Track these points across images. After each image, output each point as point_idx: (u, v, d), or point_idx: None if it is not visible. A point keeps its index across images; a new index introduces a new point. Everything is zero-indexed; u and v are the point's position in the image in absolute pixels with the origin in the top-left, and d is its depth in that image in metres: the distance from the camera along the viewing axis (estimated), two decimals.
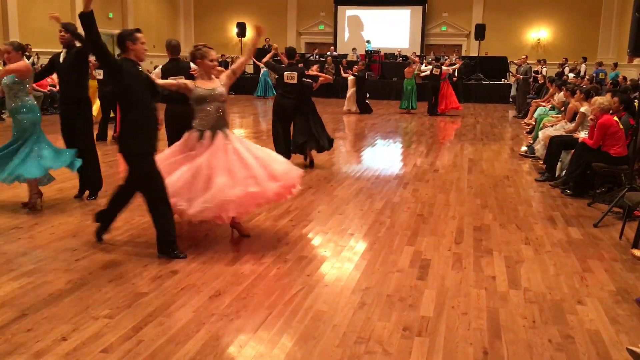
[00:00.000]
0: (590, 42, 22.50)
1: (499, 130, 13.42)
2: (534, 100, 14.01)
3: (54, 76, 7.02)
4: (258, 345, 3.26)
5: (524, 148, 10.15)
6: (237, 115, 15.59)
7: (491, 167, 8.72)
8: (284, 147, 8.00)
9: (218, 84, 4.95)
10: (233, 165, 4.73)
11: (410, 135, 12.28)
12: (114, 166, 8.03)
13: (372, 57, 22.24)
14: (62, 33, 6.04)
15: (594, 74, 17.40)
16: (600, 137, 6.63)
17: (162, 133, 5.54)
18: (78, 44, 6.13)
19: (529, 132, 11.94)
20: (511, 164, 9.04)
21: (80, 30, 4.58)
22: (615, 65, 18.93)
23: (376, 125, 13.87)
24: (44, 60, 15.40)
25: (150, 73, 5.57)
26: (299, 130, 8.21)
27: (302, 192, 6.84)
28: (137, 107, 4.46)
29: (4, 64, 6.24)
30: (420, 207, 6.34)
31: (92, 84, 11.27)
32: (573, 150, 7.14)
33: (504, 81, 21.24)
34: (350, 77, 16.58)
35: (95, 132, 7.93)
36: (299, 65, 8.70)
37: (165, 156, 4.91)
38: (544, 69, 18.34)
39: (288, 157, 7.37)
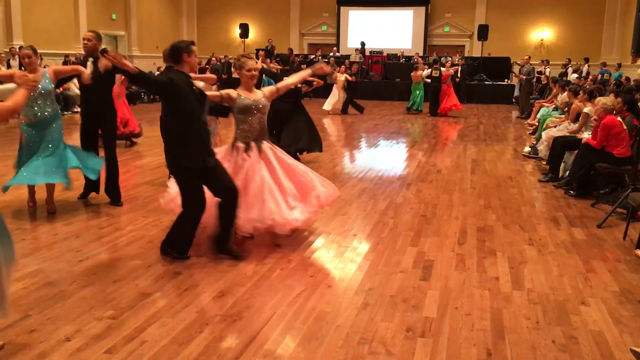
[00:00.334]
0: (593, 43, 22.46)
1: (502, 130, 13.40)
2: (537, 101, 14.00)
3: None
4: (261, 346, 3.26)
5: (527, 149, 10.14)
6: None
7: (494, 168, 8.71)
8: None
9: (261, 95, 4.84)
10: (282, 181, 4.78)
11: (413, 136, 12.27)
12: None
13: (364, 59, 22.15)
14: (86, 41, 5.88)
15: (599, 75, 17.36)
16: (603, 137, 6.62)
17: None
18: (101, 49, 6.03)
19: (532, 133, 11.92)
20: (514, 165, 9.03)
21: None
22: (619, 65, 18.89)
23: (379, 126, 13.87)
24: (47, 62, 15.46)
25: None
26: (293, 132, 8.35)
27: None
28: (189, 120, 4.29)
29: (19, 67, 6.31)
30: (423, 207, 6.33)
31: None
32: (576, 151, 7.13)
33: (507, 82, 21.22)
34: (341, 78, 16.23)
35: None
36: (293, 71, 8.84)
37: None
38: (547, 70, 18.32)
39: None
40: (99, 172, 5.89)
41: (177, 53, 4.31)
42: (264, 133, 4.88)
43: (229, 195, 4.44)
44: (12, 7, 16.94)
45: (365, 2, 24.78)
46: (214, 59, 22.42)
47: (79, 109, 15.18)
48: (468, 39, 24.48)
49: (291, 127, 8.34)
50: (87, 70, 5.71)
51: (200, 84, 7.06)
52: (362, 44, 22.98)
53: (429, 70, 16.52)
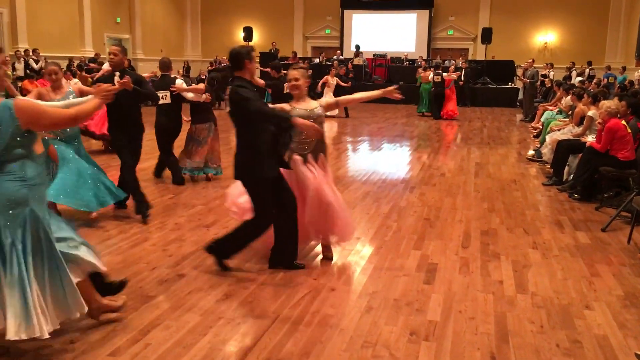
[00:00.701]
0: (597, 46, 22.44)
1: (505, 134, 13.39)
2: (541, 104, 13.98)
3: None
4: (265, 349, 3.27)
5: (531, 152, 10.12)
6: None
7: (498, 171, 8.70)
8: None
9: (316, 105, 4.56)
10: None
11: (416, 139, 12.27)
12: None
13: (366, 62, 22.14)
14: (112, 56, 5.65)
15: (604, 78, 17.35)
16: (608, 141, 6.61)
17: None
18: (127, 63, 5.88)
19: (536, 136, 11.90)
20: (518, 168, 9.02)
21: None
22: (624, 69, 18.87)
23: (383, 129, 13.87)
24: None
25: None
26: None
27: None
28: (260, 130, 4.17)
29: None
30: (427, 211, 6.33)
31: None
32: (581, 155, 7.12)
33: (511, 85, 21.20)
34: (332, 81, 15.71)
35: None
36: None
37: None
38: (551, 73, 18.30)
39: None
40: (122, 192, 5.68)
41: (239, 59, 4.17)
42: (320, 145, 4.56)
43: (292, 208, 4.39)
44: (17, 10, 17.02)
45: (369, 6, 24.82)
46: (212, 64, 22.40)
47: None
48: (472, 42, 24.48)
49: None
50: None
51: (189, 95, 7.10)
52: (357, 47, 22.98)
53: (431, 74, 16.57)
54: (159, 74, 7.89)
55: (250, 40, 23.77)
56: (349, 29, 25.23)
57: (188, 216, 5.93)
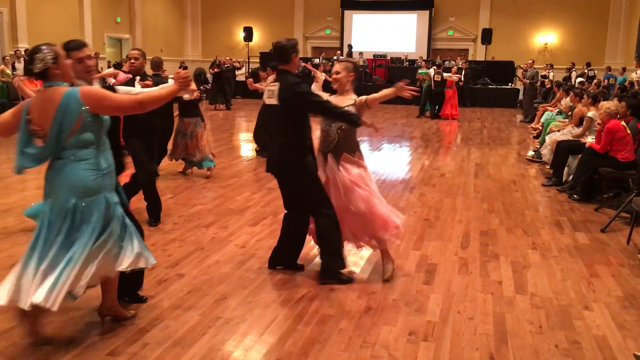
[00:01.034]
0: (597, 47, 22.42)
1: (505, 134, 13.39)
2: (541, 105, 13.98)
3: None
4: (263, 349, 3.27)
5: (530, 153, 10.13)
6: (243, 118, 15.63)
7: (498, 172, 8.70)
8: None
9: (351, 101, 4.26)
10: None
11: (416, 140, 12.27)
12: None
13: (367, 63, 22.12)
14: (133, 61, 5.45)
15: (605, 79, 17.34)
16: (607, 142, 6.61)
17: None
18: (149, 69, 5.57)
19: (536, 137, 11.91)
20: (518, 169, 9.02)
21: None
22: (624, 70, 18.87)
23: (382, 129, 13.86)
24: None
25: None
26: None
27: None
28: (308, 126, 4.13)
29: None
30: (426, 211, 6.33)
31: None
32: (580, 155, 7.12)
33: (511, 86, 21.20)
34: (321, 77, 15.92)
35: None
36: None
37: None
38: (551, 74, 18.30)
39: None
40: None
41: (285, 52, 4.09)
42: (344, 145, 4.28)
43: (305, 211, 4.33)
44: (17, 10, 17.00)
45: (369, 6, 24.80)
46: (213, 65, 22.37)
47: None
48: (472, 42, 24.47)
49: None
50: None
51: (185, 95, 7.06)
52: (349, 46, 23.00)
53: (432, 72, 16.62)
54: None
55: (251, 40, 23.78)
56: (349, 29, 25.22)
57: (187, 216, 5.93)
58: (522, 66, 18.72)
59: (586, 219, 6.17)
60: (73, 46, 3.39)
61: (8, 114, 3.32)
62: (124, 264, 3.21)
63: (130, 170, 5.38)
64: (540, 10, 23.03)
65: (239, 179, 7.87)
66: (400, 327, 3.57)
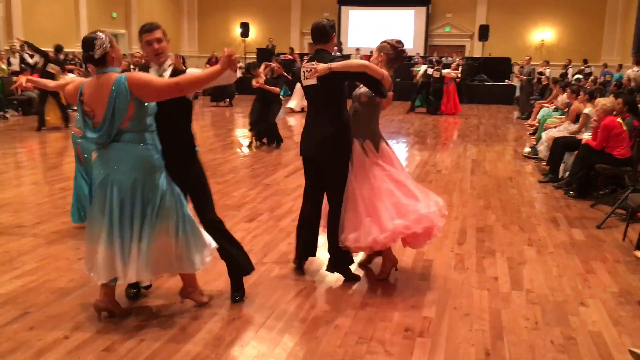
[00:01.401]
0: (594, 44, 22.44)
1: (502, 131, 13.40)
2: (537, 102, 13.99)
3: None
4: (260, 345, 3.27)
5: (527, 149, 10.13)
6: (240, 114, 15.59)
7: (494, 168, 8.71)
8: None
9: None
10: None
11: (412, 136, 12.26)
12: None
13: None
14: (139, 58, 5.05)
15: (601, 76, 17.37)
16: (603, 138, 6.62)
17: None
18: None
19: (532, 134, 11.91)
20: (514, 165, 9.03)
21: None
22: (620, 66, 18.89)
23: (379, 125, 13.83)
24: None
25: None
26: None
27: None
28: (346, 104, 4.11)
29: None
30: None
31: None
32: (576, 152, 7.13)
33: (508, 82, 21.21)
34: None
35: None
36: None
37: None
38: (548, 70, 18.31)
39: None
40: None
41: (326, 32, 4.07)
42: (361, 128, 4.19)
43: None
44: (12, 5, 16.92)
45: (366, 2, 24.76)
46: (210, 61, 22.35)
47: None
48: (469, 39, 24.46)
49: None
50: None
51: None
52: (339, 43, 22.95)
53: (425, 66, 16.69)
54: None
55: (247, 36, 23.72)
56: (346, 25, 25.17)
57: None
58: (518, 63, 18.72)
59: (582, 215, 6.18)
60: (146, 29, 3.43)
61: (71, 87, 3.49)
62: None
63: None
64: (537, 6, 23.04)
65: (236, 175, 7.86)
66: (396, 323, 3.57)
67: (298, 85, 15.78)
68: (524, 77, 16.47)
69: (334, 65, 3.88)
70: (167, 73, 3.51)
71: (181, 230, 3.37)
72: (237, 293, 3.83)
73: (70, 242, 4.90)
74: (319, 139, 4.06)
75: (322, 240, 5.07)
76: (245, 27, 23.72)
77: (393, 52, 4.21)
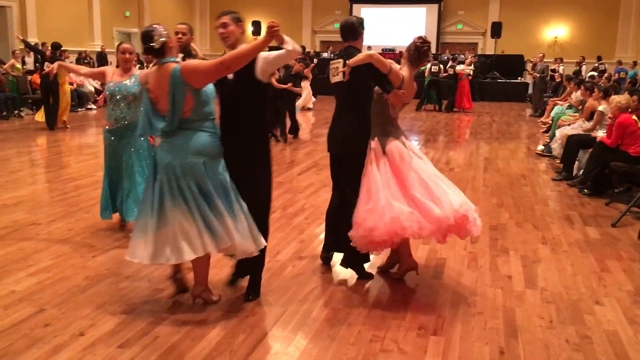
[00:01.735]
0: (608, 41, 22.23)
1: (515, 129, 13.32)
2: (551, 99, 13.89)
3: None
4: (273, 343, 3.27)
5: (540, 147, 10.06)
6: None
7: (507, 166, 8.66)
8: None
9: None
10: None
11: (425, 134, 12.23)
12: None
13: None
14: (180, 36, 4.75)
15: (615, 73, 17.21)
16: (618, 136, 6.56)
17: None
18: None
19: (546, 131, 11.84)
20: (527, 163, 8.97)
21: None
22: (634, 63, 18.71)
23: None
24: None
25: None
26: None
27: (317, 190, 6.85)
28: (370, 101, 4.13)
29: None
30: None
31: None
32: (591, 150, 7.07)
33: (520, 80, 21.08)
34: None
35: None
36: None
37: None
38: (561, 68, 18.18)
39: None
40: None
41: (354, 29, 4.15)
42: (374, 126, 4.16)
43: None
44: (27, 4, 17.07)
45: (378, 0, 24.70)
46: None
47: (92, 106, 15.41)
48: (481, 36, 24.34)
49: None
50: None
51: None
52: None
53: (429, 65, 16.63)
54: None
55: (259, 34, 23.74)
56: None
57: None
58: (531, 60, 18.59)
59: (597, 213, 6.13)
60: (216, 17, 3.58)
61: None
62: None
63: None
64: (550, 3, 22.87)
65: None
66: (409, 321, 3.56)
67: (303, 83, 15.83)
68: (538, 75, 16.37)
69: (349, 61, 3.92)
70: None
71: (240, 211, 3.48)
72: (253, 293, 3.84)
73: (85, 240, 4.93)
74: (339, 136, 4.14)
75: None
76: (256, 26, 23.77)
77: (414, 51, 4.18)
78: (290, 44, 3.43)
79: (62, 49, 12.74)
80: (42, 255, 4.54)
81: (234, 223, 3.41)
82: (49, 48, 12.42)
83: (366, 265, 4.32)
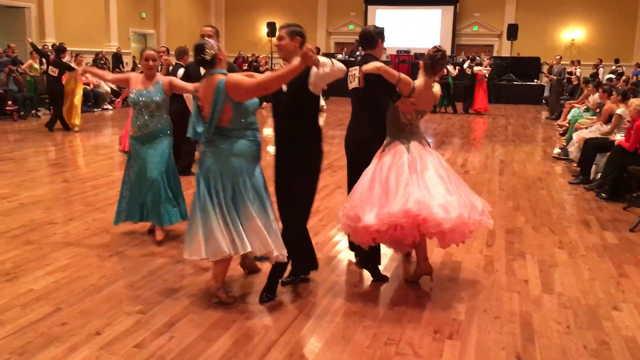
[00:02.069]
0: (626, 43, 22.01)
1: (531, 131, 13.22)
2: (567, 102, 13.77)
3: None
4: (288, 345, 3.27)
5: (557, 150, 9.98)
6: (267, 116, 15.64)
7: (523, 169, 8.60)
8: None
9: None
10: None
11: (440, 136, 12.17)
12: None
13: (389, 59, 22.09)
14: (207, 38, 4.24)
15: (634, 75, 17.04)
16: (637, 139, 6.49)
17: None
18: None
19: (562, 134, 11.73)
20: (544, 166, 8.90)
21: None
22: None
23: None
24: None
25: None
26: None
27: (331, 191, 6.84)
28: (383, 108, 4.20)
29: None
30: None
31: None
32: (609, 153, 7.00)
33: (537, 82, 20.92)
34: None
35: None
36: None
37: None
38: (578, 70, 18.03)
39: None
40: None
41: (372, 38, 4.27)
42: (390, 129, 4.23)
43: None
44: (45, 5, 17.25)
45: (393, 1, 24.66)
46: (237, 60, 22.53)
47: (108, 106, 15.52)
48: (497, 38, 24.20)
49: None
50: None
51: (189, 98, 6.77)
52: (357, 41, 22.89)
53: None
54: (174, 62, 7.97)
55: (274, 35, 23.77)
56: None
57: None
58: (547, 62, 18.44)
59: (614, 217, 6.06)
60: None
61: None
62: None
63: None
64: (567, 5, 22.68)
65: None
66: (424, 324, 3.54)
67: None
68: (554, 77, 16.25)
69: (362, 67, 4.06)
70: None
71: (271, 215, 3.67)
72: (270, 294, 3.84)
73: (101, 240, 4.97)
74: (352, 141, 4.31)
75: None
76: (271, 27, 23.78)
77: (428, 59, 4.25)
78: (327, 66, 3.47)
79: (78, 50, 12.83)
80: (58, 254, 4.58)
81: (266, 226, 3.57)
82: (52, 51, 12.53)
83: (381, 268, 4.31)
